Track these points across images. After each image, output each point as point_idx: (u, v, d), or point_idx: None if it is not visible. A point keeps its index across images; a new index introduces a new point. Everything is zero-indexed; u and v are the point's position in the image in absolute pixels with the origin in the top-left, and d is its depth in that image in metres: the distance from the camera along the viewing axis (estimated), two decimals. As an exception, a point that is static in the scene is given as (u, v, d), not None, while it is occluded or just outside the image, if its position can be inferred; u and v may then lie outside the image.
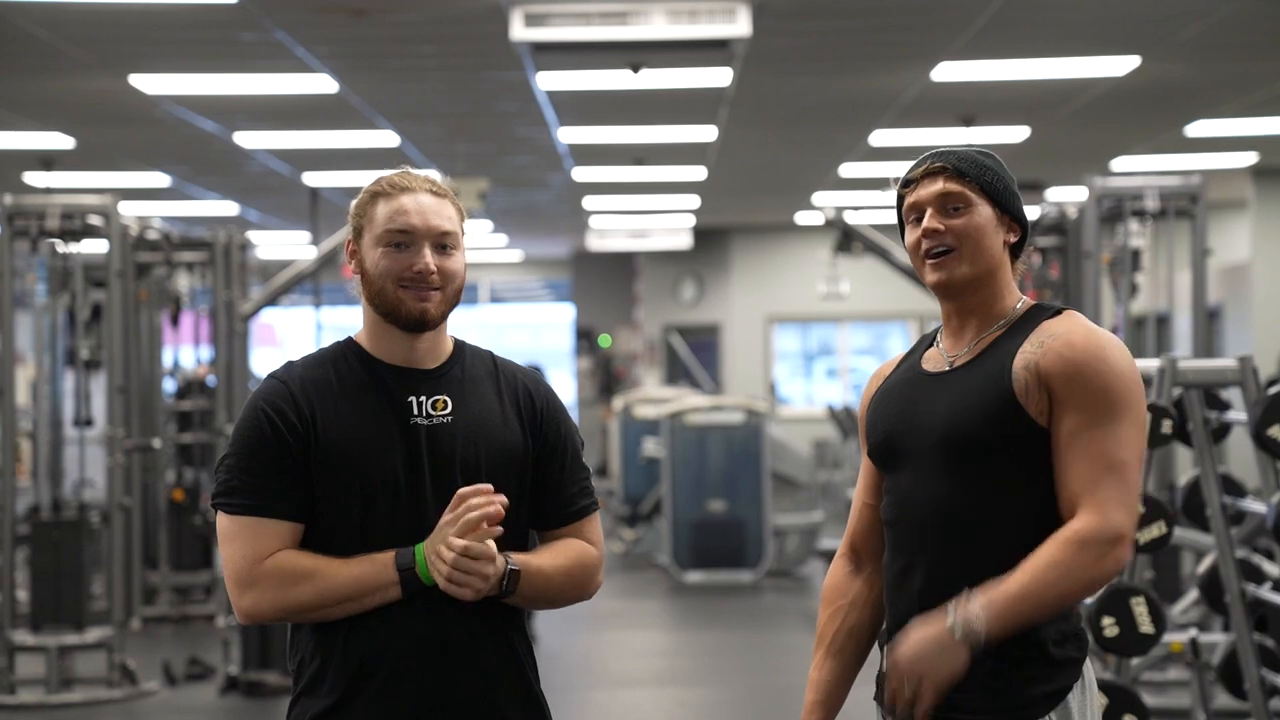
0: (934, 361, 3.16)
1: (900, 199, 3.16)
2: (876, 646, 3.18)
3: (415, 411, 3.05)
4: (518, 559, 3.03)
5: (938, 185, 3.09)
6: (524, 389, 3.16)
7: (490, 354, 3.20)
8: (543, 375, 3.30)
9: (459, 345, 3.16)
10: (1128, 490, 2.97)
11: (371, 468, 3.00)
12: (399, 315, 3.05)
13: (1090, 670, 3.04)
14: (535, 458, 3.14)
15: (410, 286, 3.03)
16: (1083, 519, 2.93)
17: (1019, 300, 3.13)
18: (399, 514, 2.99)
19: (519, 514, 3.11)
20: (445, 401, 3.07)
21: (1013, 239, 3.12)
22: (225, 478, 3.02)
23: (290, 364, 3.11)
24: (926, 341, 3.23)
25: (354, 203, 3.11)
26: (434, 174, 3.13)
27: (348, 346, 3.12)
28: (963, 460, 3.01)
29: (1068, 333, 3.01)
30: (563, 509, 3.16)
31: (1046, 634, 2.98)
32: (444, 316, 3.08)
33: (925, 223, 3.08)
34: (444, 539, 2.96)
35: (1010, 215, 3.11)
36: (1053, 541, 2.93)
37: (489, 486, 2.99)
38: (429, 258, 3.03)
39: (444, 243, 3.06)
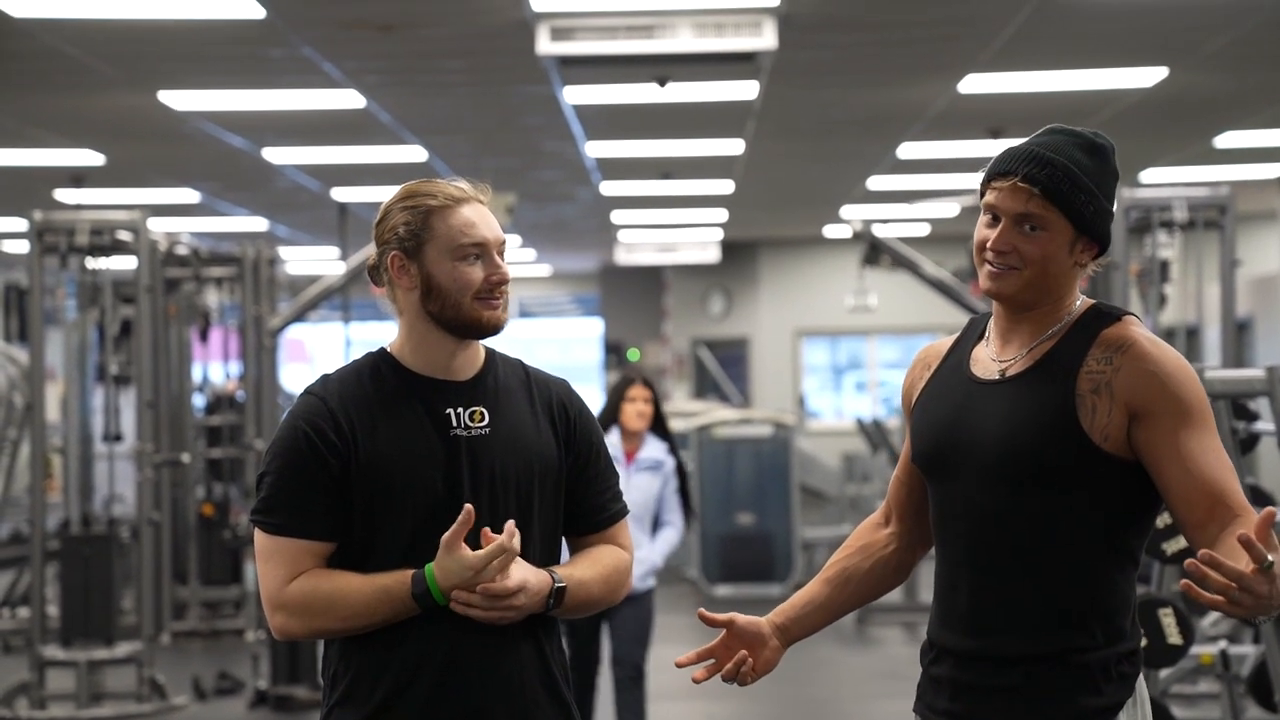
0: (983, 366, 3.01)
1: (983, 183, 2.98)
2: (919, 657, 3.09)
3: (454, 423, 3.05)
4: (562, 574, 3.05)
5: (1020, 202, 2.89)
6: (557, 399, 3.18)
7: (520, 363, 3.21)
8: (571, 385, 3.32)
9: (490, 354, 3.16)
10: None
11: (413, 481, 3.00)
12: (477, 326, 3.06)
13: (1144, 687, 2.95)
14: (569, 467, 3.15)
15: (487, 297, 3.05)
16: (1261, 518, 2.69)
17: (1076, 300, 2.98)
18: (439, 527, 2.98)
19: (555, 524, 3.14)
20: (482, 413, 3.07)
21: (1085, 260, 2.95)
22: (264, 495, 3.03)
23: (326, 379, 3.11)
24: (976, 332, 3.08)
25: (395, 218, 3.06)
26: (463, 183, 3.14)
27: (381, 358, 3.11)
28: (1017, 481, 2.89)
29: (1137, 344, 2.89)
30: (595, 515, 3.19)
31: (1109, 651, 2.89)
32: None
33: (995, 239, 2.92)
34: (463, 581, 2.95)
35: (1089, 236, 2.93)
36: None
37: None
38: (504, 266, 3.08)
39: (503, 250, 3.11)
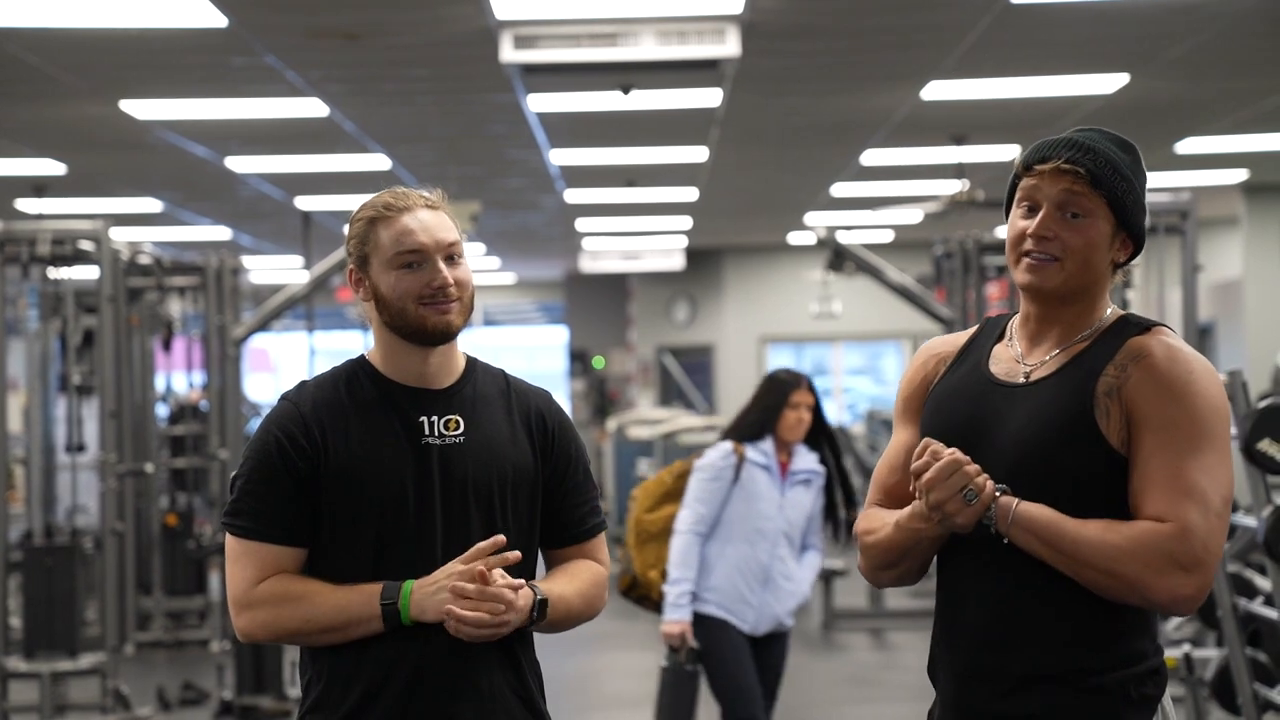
0: (1005, 366, 2.88)
1: (1017, 174, 2.85)
2: (927, 675, 2.95)
3: (427, 431, 3.06)
4: (542, 588, 3.05)
5: (1064, 185, 2.78)
6: (535, 409, 3.18)
7: (502, 372, 3.21)
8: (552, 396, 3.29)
9: (471, 363, 3.17)
10: (1213, 528, 2.68)
11: (381, 488, 3.01)
12: (424, 332, 3.05)
13: (1170, 707, 2.80)
14: (545, 478, 3.15)
15: (431, 302, 3.05)
16: (1166, 527, 2.66)
17: (1108, 309, 2.87)
18: (408, 534, 3.00)
19: (530, 535, 3.14)
20: (457, 421, 3.08)
21: (1121, 258, 2.85)
22: (234, 499, 3.05)
23: (303, 384, 3.13)
24: (994, 330, 2.96)
25: (349, 232, 3.11)
26: (420, 191, 3.15)
27: (360, 366, 3.13)
28: (1034, 487, 2.73)
29: (1152, 353, 2.76)
30: (572, 529, 3.19)
31: (1127, 672, 2.74)
32: (464, 326, 3.11)
33: (1037, 225, 2.79)
34: (454, 595, 2.95)
35: (1128, 232, 2.84)
36: (1131, 525, 2.67)
37: (501, 539, 2.99)
38: (445, 271, 3.05)
39: (452, 253, 3.08)
